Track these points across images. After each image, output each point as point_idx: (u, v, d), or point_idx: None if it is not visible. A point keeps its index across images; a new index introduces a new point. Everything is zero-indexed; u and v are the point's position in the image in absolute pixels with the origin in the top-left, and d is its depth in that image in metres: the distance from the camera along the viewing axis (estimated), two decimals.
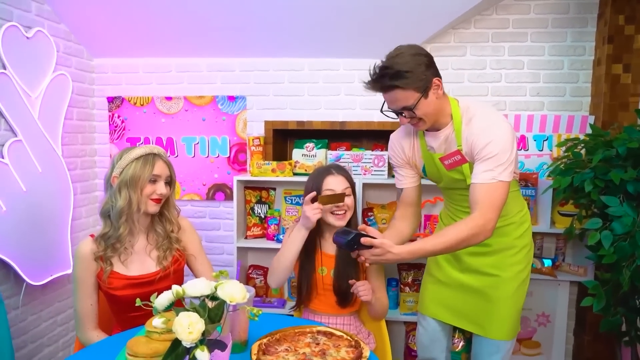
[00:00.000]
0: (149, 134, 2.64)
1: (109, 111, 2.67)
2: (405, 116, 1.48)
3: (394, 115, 1.53)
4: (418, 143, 1.65)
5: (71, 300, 2.14)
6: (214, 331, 1.02)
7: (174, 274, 1.58)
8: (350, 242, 1.38)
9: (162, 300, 1.01)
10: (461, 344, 2.46)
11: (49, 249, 2.21)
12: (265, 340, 1.25)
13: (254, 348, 1.19)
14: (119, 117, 2.66)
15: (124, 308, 1.51)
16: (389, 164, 1.85)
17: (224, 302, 0.99)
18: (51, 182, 2.22)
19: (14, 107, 2.00)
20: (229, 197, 2.59)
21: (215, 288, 1.01)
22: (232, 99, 2.58)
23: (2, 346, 1.76)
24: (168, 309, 1.01)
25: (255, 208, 2.52)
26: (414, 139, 1.66)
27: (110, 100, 2.66)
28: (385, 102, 1.50)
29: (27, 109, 2.08)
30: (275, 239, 2.44)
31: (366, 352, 1.17)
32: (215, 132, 2.60)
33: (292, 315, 1.85)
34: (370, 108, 2.47)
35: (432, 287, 1.77)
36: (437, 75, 1.47)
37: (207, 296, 1.02)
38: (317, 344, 1.26)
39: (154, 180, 1.51)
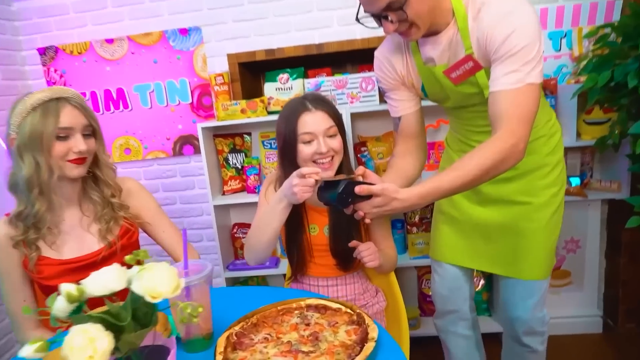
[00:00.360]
0: (95, 87, 2.23)
1: (43, 65, 2.24)
2: (391, 21, 1.09)
3: (374, 24, 1.14)
4: (412, 59, 1.27)
5: None
6: (149, 336, 0.71)
7: (122, 250, 1.25)
8: (342, 195, 1.03)
9: (62, 304, 0.68)
10: (481, 282, 2.21)
11: None
12: (237, 328, 0.93)
13: (220, 343, 0.87)
14: (55, 71, 2.23)
15: None
16: (379, 88, 1.46)
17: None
18: None
19: None
20: (198, 149, 2.23)
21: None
22: (184, 32, 2.14)
23: None
24: (75, 314, 0.69)
25: (230, 158, 2.16)
26: (406, 54, 1.28)
27: (42, 52, 2.22)
28: (362, 5, 1.11)
29: None
30: (256, 190, 2.10)
31: (373, 332, 0.85)
32: (171, 75, 2.19)
33: (283, 279, 1.54)
34: (350, 23, 2.04)
35: (446, 228, 1.47)
36: None
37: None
38: (308, 324, 0.94)
39: (64, 136, 1.13)
